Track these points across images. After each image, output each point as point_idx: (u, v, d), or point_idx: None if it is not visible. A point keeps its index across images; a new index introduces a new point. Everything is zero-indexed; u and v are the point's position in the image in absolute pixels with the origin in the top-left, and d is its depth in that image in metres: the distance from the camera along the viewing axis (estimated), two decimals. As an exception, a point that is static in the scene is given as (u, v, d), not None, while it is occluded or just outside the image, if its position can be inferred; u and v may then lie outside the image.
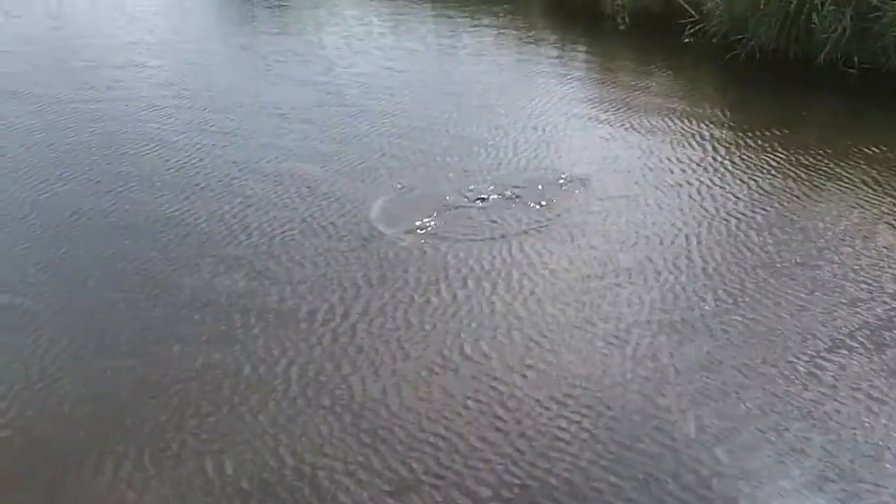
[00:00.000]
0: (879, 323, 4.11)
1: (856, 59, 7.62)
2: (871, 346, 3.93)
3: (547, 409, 3.64)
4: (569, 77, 8.61)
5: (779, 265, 4.68)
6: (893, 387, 3.66)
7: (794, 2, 7.88)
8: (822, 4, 7.69)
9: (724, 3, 8.71)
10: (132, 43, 10.71)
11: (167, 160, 6.64)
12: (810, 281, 4.50)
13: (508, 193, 5.71)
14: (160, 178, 6.30)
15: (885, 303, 4.27)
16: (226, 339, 4.24)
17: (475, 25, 10.97)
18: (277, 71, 9.36)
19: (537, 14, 11.60)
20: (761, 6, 8.17)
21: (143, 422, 3.71)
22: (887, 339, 3.98)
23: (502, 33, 10.61)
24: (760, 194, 5.58)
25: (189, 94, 8.50)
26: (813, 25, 7.80)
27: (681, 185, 5.75)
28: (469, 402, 3.70)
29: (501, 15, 11.38)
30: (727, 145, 6.48)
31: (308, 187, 6.01)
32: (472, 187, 5.85)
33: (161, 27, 11.66)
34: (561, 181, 5.90)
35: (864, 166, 5.94)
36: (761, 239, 4.98)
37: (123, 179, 6.28)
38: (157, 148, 6.91)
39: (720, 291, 4.45)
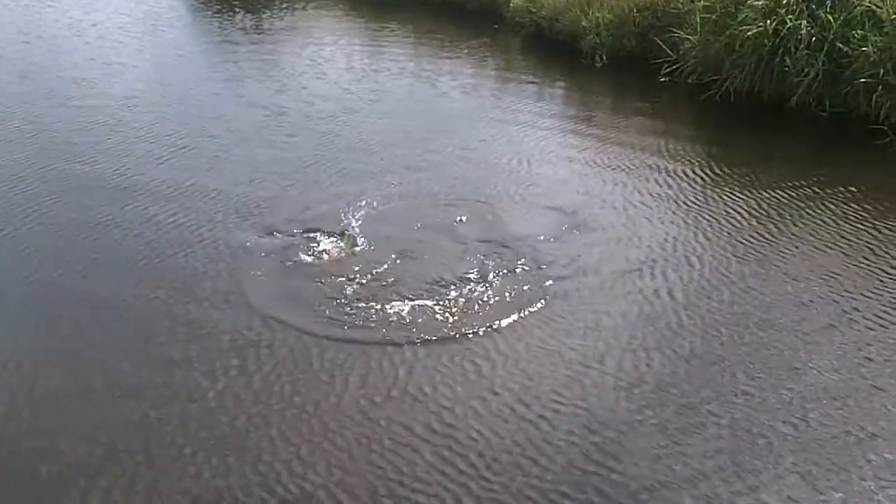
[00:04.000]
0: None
1: (827, 102, 7.47)
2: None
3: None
4: (545, 112, 8.41)
5: (736, 306, 4.50)
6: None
7: (768, 45, 7.72)
8: (796, 49, 7.53)
9: (700, 44, 8.54)
10: (92, 59, 10.64)
11: (97, 168, 6.65)
12: (764, 322, 4.34)
13: (445, 220, 5.53)
14: (89, 184, 6.30)
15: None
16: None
17: (452, 57, 10.78)
18: (235, 90, 9.23)
19: (516, 49, 11.45)
20: (736, 48, 8.00)
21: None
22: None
23: (480, 65, 10.44)
24: (729, 231, 5.43)
25: (138, 108, 8.41)
26: (786, 69, 7.63)
27: (651, 221, 5.57)
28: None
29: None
30: (699, 183, 6.30)
31: (220, 205, 5.90)
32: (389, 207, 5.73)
33: (128, 46, 11.51)
34: (528, 213, 5.75)
35: (829, 205, 5.78)
36: (724, 276, 4.83)
37: (51, 187, 6.20)
38: (93, 156, 6.90)
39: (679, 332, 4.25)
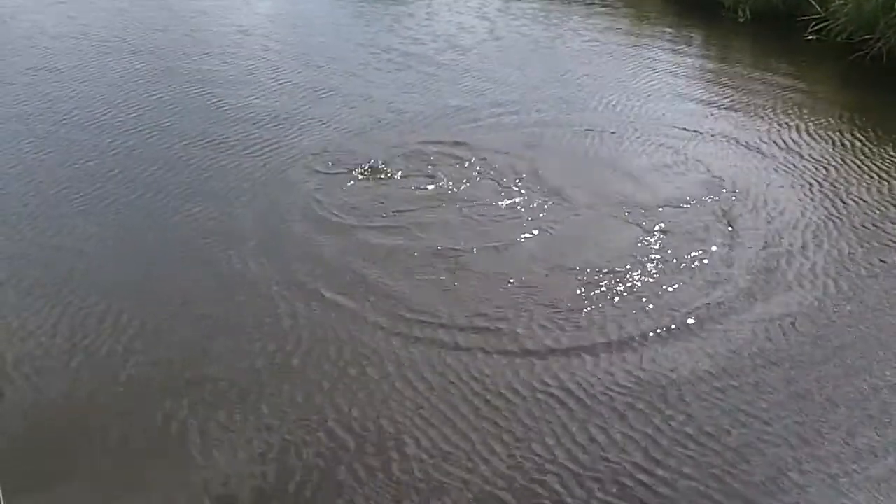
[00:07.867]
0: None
1: None
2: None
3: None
4: (680, 64, 8.41)
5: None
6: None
7: (932, 4, 7.45)
8: (963, 8, 7.23)
9: (852, 1, 8.29)
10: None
11: (202, 93, 7.56)
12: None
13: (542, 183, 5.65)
14: (192, 106, 7.22)
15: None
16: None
17: (583, 3, 10.80)
18: (348, 27, 9.97)
19: (652, 1, 11.31)
20: (894, 6, 7.73)
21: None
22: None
23: (614, 12, 10.44)
24: (876, 199, 5.40)
25: (249, 40, 9.35)
26: (949, 30, 7.35)
27: (794, 189, 5.57)
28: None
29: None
30: (845, 148, 6.22)
31: (306, 138, 6.50)
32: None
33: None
34: (668, 176, 5.81)
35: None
36: (872, 244, 4.87)
37: (157, 113, 7.14)
38: (201, 84, 7.78)
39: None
